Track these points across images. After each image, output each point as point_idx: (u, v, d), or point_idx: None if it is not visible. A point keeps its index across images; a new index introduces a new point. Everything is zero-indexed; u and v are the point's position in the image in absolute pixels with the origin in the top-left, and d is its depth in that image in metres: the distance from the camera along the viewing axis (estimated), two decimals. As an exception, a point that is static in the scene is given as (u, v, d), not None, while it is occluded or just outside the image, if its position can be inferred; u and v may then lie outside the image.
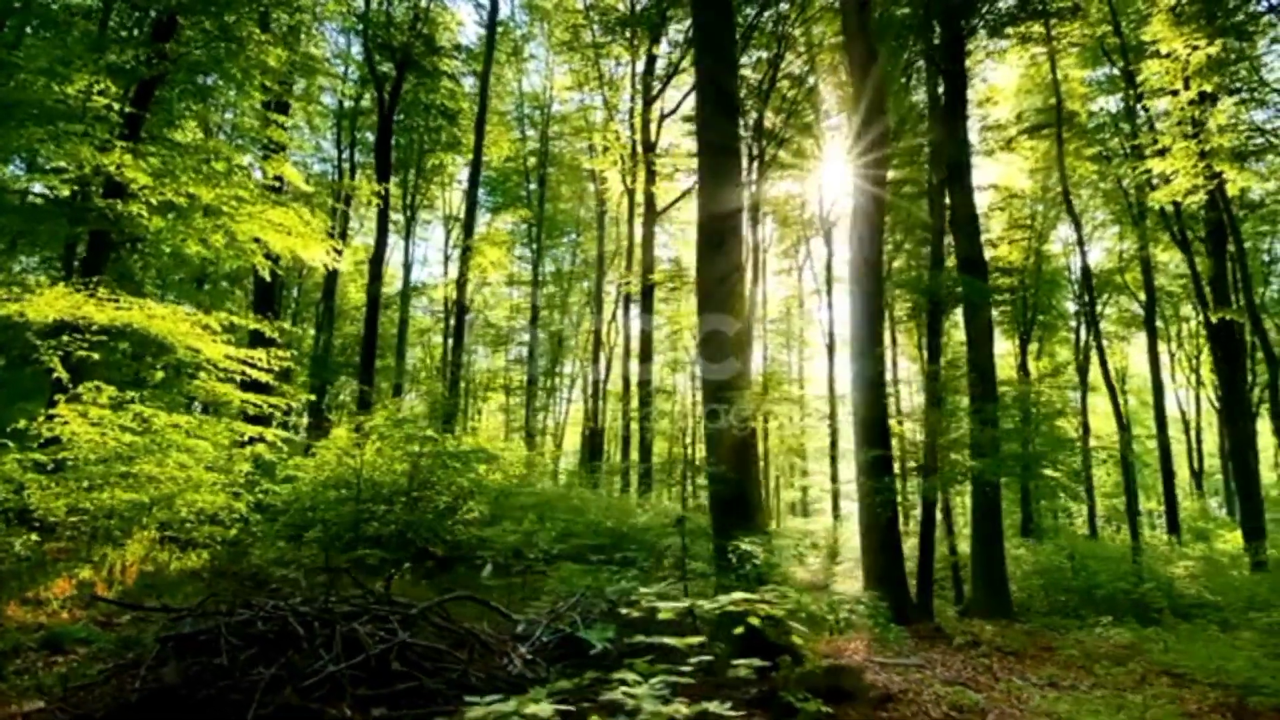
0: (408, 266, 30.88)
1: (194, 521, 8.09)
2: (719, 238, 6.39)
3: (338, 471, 10.10)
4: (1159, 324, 27.17)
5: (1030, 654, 7.65)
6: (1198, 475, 36.49)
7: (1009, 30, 14.12)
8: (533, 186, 31.67)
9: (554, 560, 8.06)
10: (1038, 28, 14.93)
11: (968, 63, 14.78)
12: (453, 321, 34.14)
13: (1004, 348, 38.51)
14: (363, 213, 27.65)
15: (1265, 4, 18.18)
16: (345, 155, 25.62)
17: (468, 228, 17.38)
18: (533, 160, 29.21)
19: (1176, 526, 22.22)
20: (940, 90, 13.98)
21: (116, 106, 8.86)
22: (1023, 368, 30.40)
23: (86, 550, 7.12)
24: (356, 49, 22.57)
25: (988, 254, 31.27)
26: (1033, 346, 32.25)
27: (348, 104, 24.58)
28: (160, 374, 9.85)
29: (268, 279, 12.13)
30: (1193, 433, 36.40)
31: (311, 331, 28.14)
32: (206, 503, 8.16)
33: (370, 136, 26.14)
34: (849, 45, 9.67)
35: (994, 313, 36.70)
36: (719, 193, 6.52)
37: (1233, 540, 22.62)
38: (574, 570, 6.82)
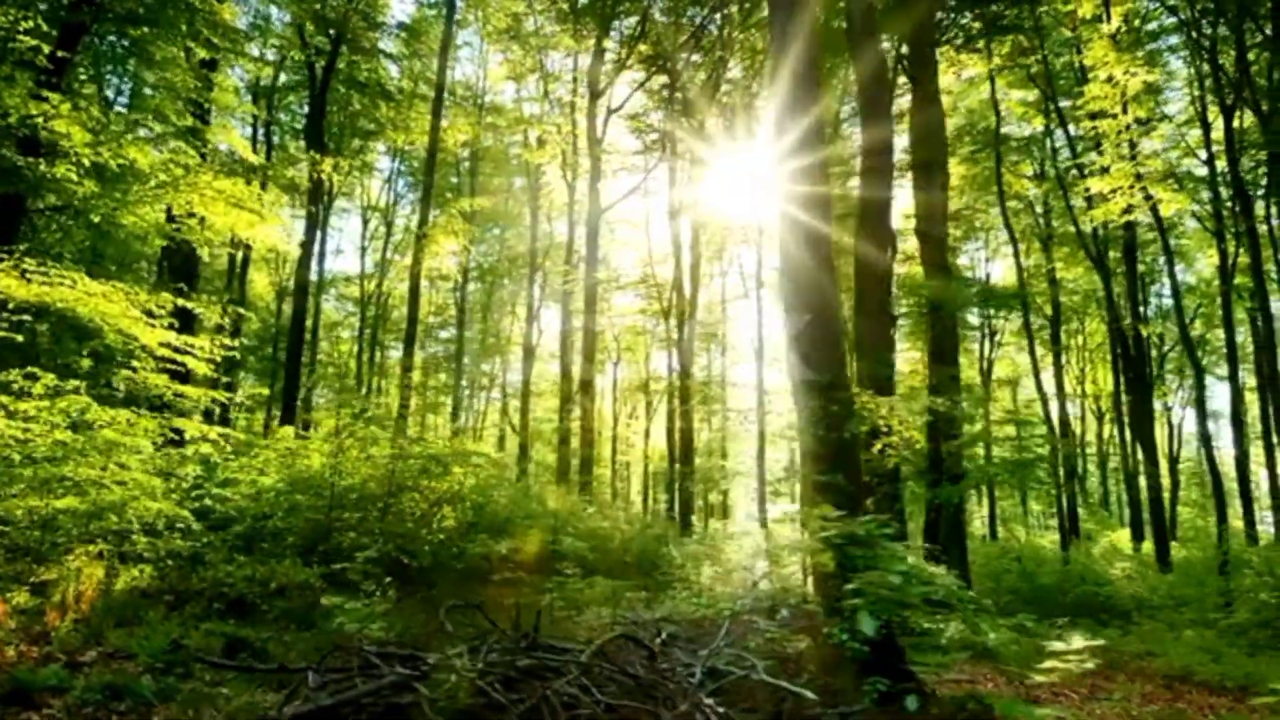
0: (322, 257, 29.04)
1: (139, 533, 6.98)
2: (817, 209, 5.90)
3: (295, 474, 9.06)
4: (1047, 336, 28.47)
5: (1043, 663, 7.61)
6: (1081, 479, 39.05)
7: (978, 44, 14.45)
8: (454, 179, 30.48)
9: (580, 575, 7.42)
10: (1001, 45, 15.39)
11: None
12: (371, 314, 32.60)
13: (913, 356, 40.14)
14: (271, 197, 25.64)
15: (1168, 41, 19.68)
16: (260, 135, 23.74)
17: (423, 216, 16.30)
18: (463, 151, 28.01)
19: (1077, 529, 23.55)
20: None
21: (46, 49, 7.58)
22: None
23: (16, 569, 5.94)
24: (278, 20, 20.95)
25: (900, 269, 32.50)
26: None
27: (264, 80, 22.79)
28: (87, 361, 8.54)
29: (205, 258, 10.85)
30: (1078, 440, 38.84)
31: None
32: (153, 511, 7.06)
33: (283, 117, 24.37)
34: (854, 49, 9.52)
35: (905, 323, 38.09)
36: (809, 150, 6.02)
37: (1117, 539, 24.20)
38: (606, 586, 6.24)
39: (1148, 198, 14.96)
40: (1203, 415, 16.36)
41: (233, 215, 9.92)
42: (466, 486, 9.25)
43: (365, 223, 32.99)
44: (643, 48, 21.63)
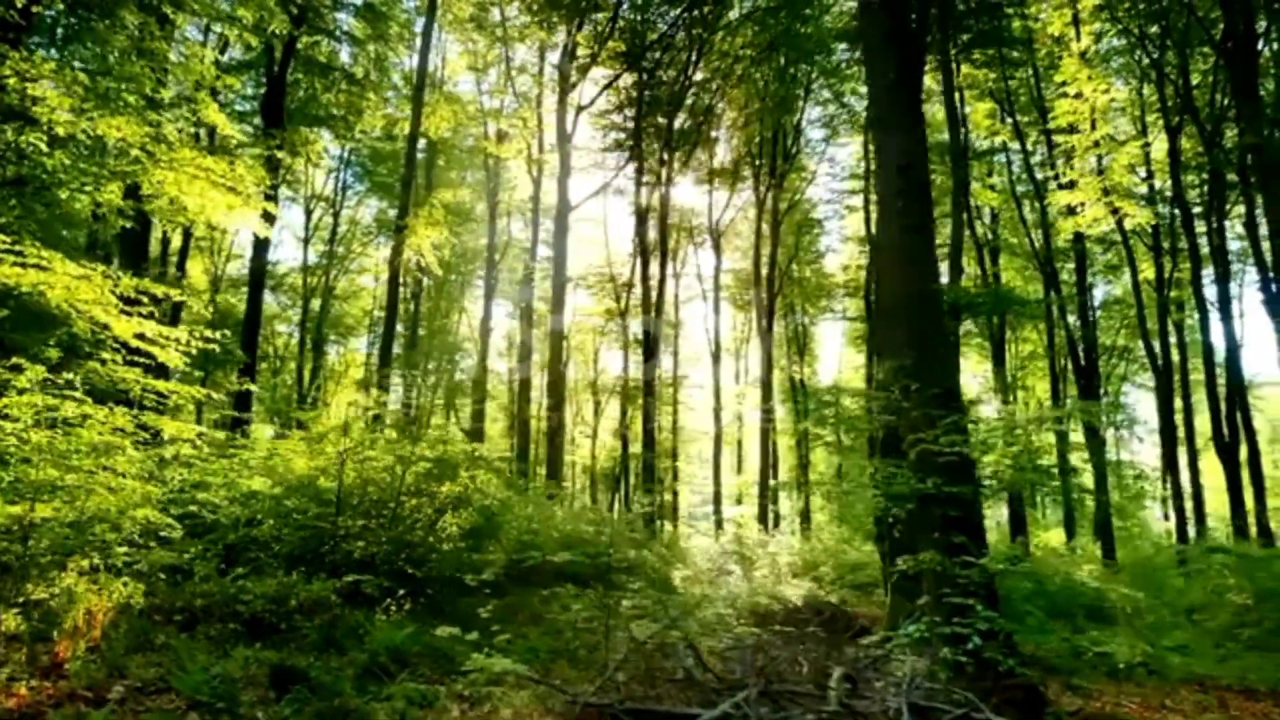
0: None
1: (124, 544, 6.26)
2: (918, 193, 5.64)
3: (284, 477, 8.39)
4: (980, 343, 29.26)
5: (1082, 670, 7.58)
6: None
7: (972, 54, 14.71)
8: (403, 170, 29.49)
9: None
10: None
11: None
12: (314, 308, 31.17)
13: (858, 360, 40.92)
14: (254, 177, 24.31)
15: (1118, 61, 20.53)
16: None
17: (403, 206, 15.47)
18: (418, 142, 26.99)
19: (1024, 529, 24.36)
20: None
21: (20, 2, 6.74)
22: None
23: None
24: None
25: (843, 278, 33.11)
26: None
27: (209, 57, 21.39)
28: (55, 353, 7.66)
29: (178, 241, 9.96)
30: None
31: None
32: (140, 519, 6.36)
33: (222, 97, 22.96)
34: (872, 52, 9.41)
35: (854, 324, 38.53)
36: (911, 127, 5.77)
37: (1049, 537, 25.16)
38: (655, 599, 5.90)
39: (1114, 211, 15.51)
40: (1163, 421, 17.03)
41: (209, 196, 9.14)
42: (472, 490, 8.74)
43: (309, 213, 31.60)
44: (612, 44, 21.29)
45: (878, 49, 6.33)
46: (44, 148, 7.30)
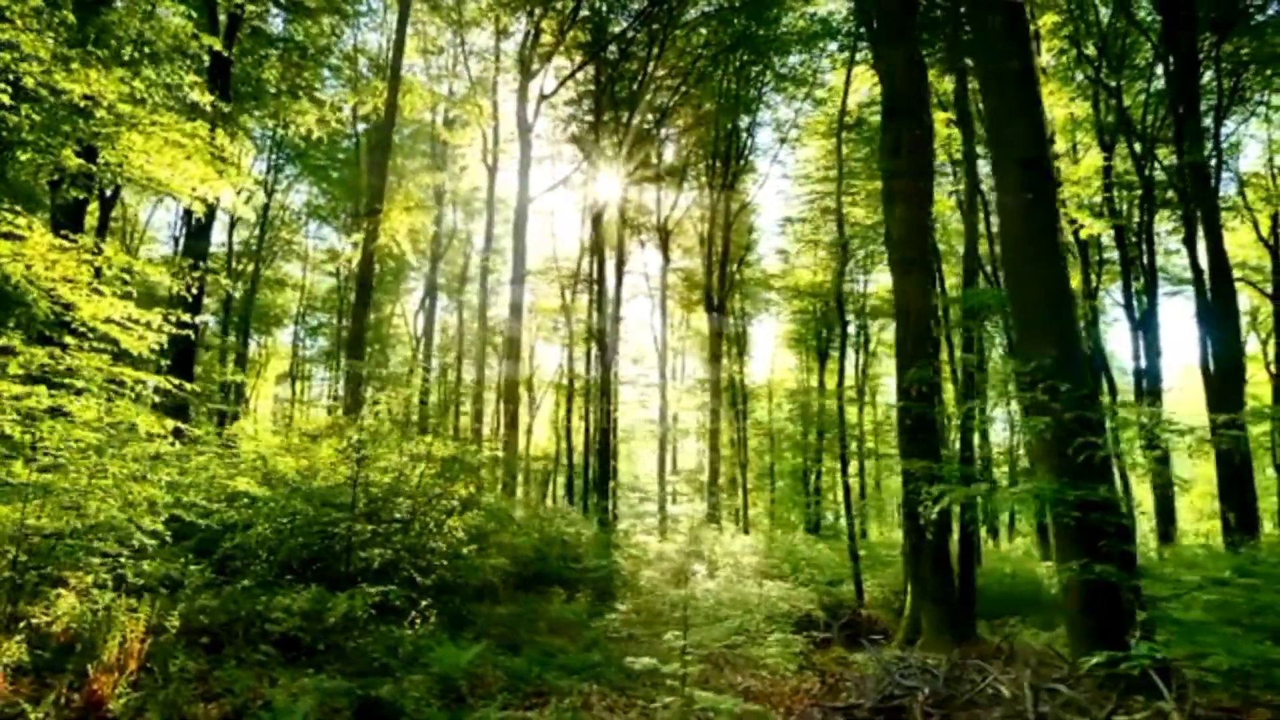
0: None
1: (134, 555, 5.49)
2: (1044, 188, 5.47)
3: (272, 478, 7.64)
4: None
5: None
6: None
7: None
8: (341, 155, 28.14)
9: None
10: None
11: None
12: (239, 296, 29.31)
13: (792, 362, 41.50)
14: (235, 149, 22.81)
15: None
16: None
17: (376, 190, 14.49)
18: (360, 125, 25.74)
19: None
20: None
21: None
22: (821, 383, 32.91)
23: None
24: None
25: (787, 280, 33.59)
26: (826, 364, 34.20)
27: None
28: (18, 336, 6.68)
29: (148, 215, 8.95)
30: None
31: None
32: (147, 525, 5.60)
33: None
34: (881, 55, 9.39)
35: (791, 327, 39.05)
36: (1034, 118, 5.63)
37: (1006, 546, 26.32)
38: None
39: (1071, 222, 16.12)
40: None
41: (181, 166, 8.26)
42: (483, 493, 8.20)
43: (235, 193, 29.66)
44: (573, 34, 20.76)
45: (998, 40, 6.30)
46: (7, 100, 6.37)
